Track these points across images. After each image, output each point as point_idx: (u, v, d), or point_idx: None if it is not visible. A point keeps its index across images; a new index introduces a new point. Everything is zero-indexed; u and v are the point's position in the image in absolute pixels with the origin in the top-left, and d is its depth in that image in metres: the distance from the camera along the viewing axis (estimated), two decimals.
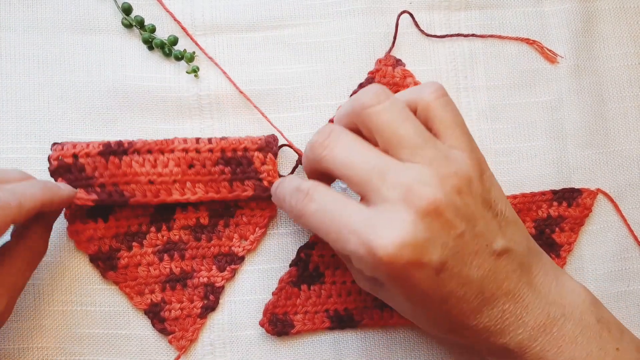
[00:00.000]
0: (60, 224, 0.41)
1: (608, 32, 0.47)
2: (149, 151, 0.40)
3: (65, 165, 0.39)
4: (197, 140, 0.40)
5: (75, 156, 0.39)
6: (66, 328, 0.41)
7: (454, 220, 0.31)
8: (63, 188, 0.38)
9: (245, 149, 0.41)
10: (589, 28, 0.47)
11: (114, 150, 0.39)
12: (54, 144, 0.40)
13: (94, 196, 0.39)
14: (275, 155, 0.41)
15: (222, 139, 0.41)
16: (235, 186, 0.41)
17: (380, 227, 0.30)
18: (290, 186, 0.35)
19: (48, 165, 0.40)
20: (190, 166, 0.40)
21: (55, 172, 0.40)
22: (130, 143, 0.40)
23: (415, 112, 0.35)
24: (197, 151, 0.40)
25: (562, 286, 0.35)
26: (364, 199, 0.33)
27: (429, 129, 0.34)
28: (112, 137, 0.42)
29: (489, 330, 0.33)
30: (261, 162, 0.41)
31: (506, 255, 0.33)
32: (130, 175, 0.40)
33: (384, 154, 0.33)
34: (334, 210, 0.32)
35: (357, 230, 0.31)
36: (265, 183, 0.41)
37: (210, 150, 0.40)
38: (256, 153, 0.41)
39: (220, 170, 0.40)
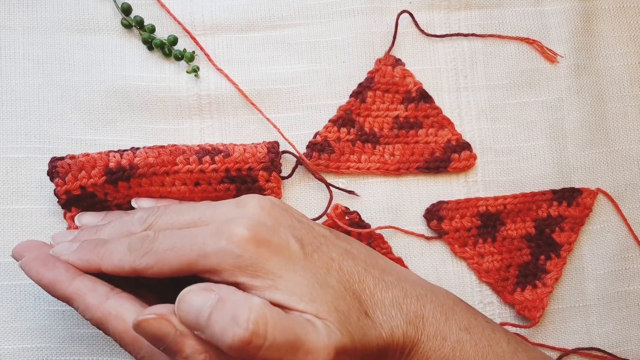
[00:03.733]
0: (60, 223, 0.41)
1: (608, 32, 0.47)
2: (154, 173, 0.40)
3: (75, 197, 0.39)
4: (200, 159, 0.40)
5: (82, 187, 0.39)
6: (66, 328, 0.41)
7: None
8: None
9: (250, 169, 0.41)
10: (588, 27, 0.47)
11: (120, 176, 0.39)
12: (53, 159, 0.39)
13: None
14: (279, 171, 0.42)
15: (225, 152, 0.40)
16: None
17: None
18: None
19: (53, 183, 0.39)
20: (196, 184, 0.40)
21: (66, 205, 0.40)
22: (132, 164, 0.39)
23: None
24: (202, 171, 0.40)
25: None
26: None
27: None
28: (112, 137, 0.43)
29: None
30: (265, 180, 0.41)
31: None
32: (143, 195, 0.40)
33: None
34: None
35: None
36: None
37: (215, 170, 0.40)
38: (261, 172, 0.41)
39: (225, 187, 0.41)
